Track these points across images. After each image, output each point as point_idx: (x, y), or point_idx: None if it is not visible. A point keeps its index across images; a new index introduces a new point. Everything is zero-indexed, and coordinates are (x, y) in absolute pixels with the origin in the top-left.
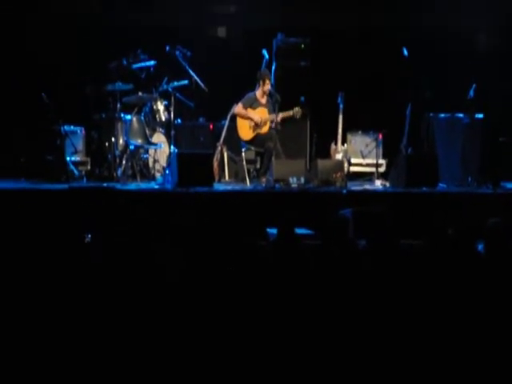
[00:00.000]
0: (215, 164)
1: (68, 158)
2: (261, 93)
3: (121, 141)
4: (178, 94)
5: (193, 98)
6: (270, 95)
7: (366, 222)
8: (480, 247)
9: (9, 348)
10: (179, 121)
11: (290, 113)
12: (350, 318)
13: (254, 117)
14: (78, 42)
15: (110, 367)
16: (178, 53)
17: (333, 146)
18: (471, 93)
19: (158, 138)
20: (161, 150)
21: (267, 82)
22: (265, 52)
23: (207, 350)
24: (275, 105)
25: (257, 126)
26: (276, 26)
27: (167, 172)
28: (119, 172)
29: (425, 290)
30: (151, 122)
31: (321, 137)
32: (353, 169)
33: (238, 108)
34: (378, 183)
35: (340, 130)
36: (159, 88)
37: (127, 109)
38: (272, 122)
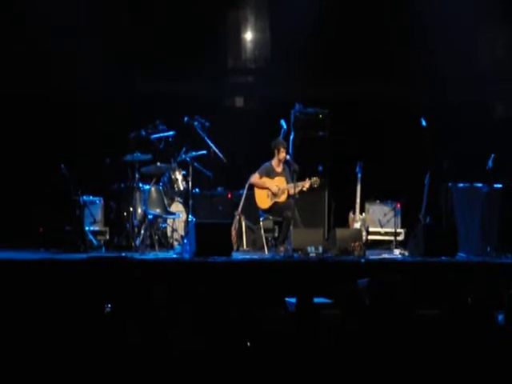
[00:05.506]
0: (233, 233)
1: (87, 228)
2: (276, 162)
3: (139, 210)
4: (196, 164)
5: (211, 168)
6: (287, 163)
7: (382, 292)
8: (500, 318)
9: None
10: (197, 190)
11: (308, 183)
12: None
13: (270, 186)
14: (97, 113)
15: None
16: (196, 123)
17: (351, 215)
18: (490, 163)
19: (177, 207)
20: (179, 219)
21: (282, 150)
22: (283, 122)
23: None
24: (293, 174)
25: (274, 195)
26: (294, 96)
27: (185, 241)
28: (137, 241)
29: (443, 360)
30: (169, 192)
31: (339, 206)
32: (371, 238)
33: (255, 178)
34: (397, 252)
35: (358, 200)
36: (177, 158)
37: (146, 179)
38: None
